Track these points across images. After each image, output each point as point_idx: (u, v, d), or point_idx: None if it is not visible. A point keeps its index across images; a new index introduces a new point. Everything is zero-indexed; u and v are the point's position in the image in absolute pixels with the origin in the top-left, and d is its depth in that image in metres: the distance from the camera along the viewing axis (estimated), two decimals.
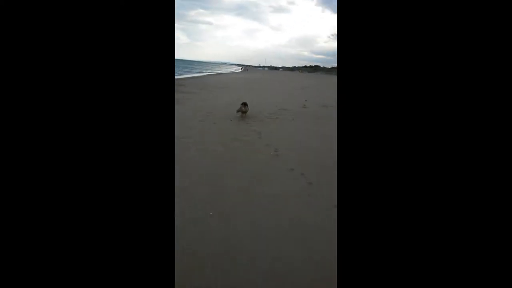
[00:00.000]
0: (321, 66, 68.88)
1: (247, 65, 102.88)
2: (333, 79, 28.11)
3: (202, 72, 25.90)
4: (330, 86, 15.95)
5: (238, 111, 5.09)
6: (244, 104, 5.10)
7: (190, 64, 64.09)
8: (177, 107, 5.05)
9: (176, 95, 6.40)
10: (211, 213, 1.80)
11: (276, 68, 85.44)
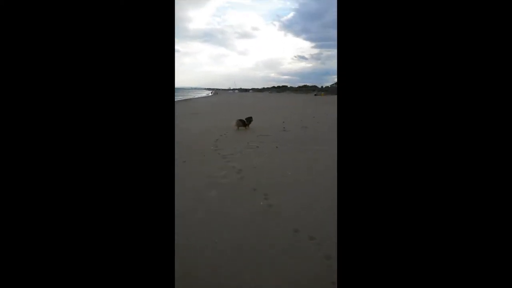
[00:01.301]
0: (288, 86, 71.37)
1: (217, 89, 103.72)
2: (302, 97, 28.73)
3: None
4: (301, 104, 15.86)
5: (239, 126, 6.38)
6: (247, 120, 6.51)
7: None
8: None
9: None
10: None
11: (246, 90, 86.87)
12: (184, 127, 6.72)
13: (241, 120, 6.43)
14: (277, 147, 4.49)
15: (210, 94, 46.96)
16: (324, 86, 58.08)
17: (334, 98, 23.17)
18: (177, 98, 26.11)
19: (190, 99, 25.03)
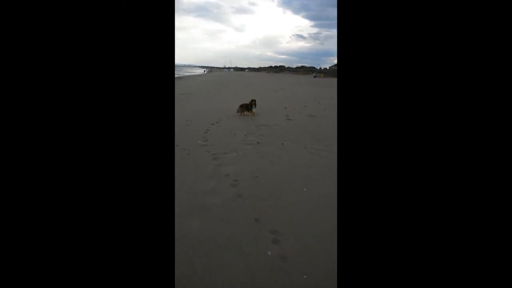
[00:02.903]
0: (286, 66, 69.43)
1: (211, 67, 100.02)
2: (301, 78, 27.38)
3: None
4: (301, 87, 14.76)
5: (242, 112, 5.55)
6: (251, 104, 5.59)
7: None
8: None
9: None
10: None
11: (242, 69, 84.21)
12: None
13: (245, 105, 5.58)
14: (282, 143, 3.57)
15: (205, 72, 44.96)
16: (322, 68, 56.49)
17: (334, 81, 22.04)
18: None
19: (182, 77, 23.46)
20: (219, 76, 28.83)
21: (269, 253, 1.47)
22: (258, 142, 3.59)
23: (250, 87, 13.57)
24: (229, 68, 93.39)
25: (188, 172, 2.55)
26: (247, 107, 5.54)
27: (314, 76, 32.97)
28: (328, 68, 51.58)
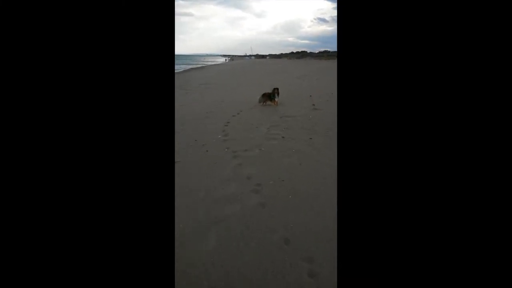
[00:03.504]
0: (308, 52, 66.92)
1: (233, 55, 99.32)
2: (324, 64, 26.04)
3: (184, 66, 23.31)
4: (327, 73, 13.89)
5: (264, 101, 5.13)
6: (273, 93, 5.08)
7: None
8: None
9: None
10: None
11: (263, 56, 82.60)
12: (187, 104, 5.48)
13: (267, 94, 5.14)
14: (310, 138, 3.16)
15: (226, 61, 44.59)
16: None
17: None
18: (190, 66, 24.46)
19: (203, 67, 23.29)
20: (240, 64, 28.31)
21: None
22: (283, 137, 3.22)
23: (271, 75, 13.03)
24: (250, 55, 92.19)
25: (206, 173, 2.27)
26: (269, 97, 5.11)
27: None
28: None
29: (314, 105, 5.11)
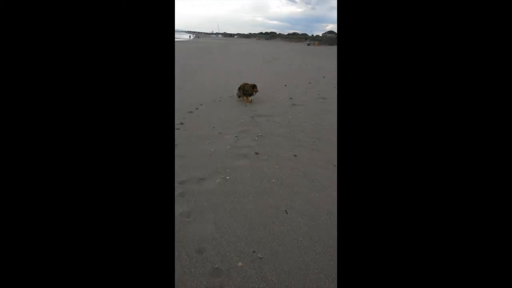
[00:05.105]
0: (277, 33, 65.57)
1: (198, 32, 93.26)
2: (294, 46, 25.16)
3: None
4: (297, 56, 13.03)
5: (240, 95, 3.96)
6: (251, 87, 3.84)
7: None
8: None
9: None
10: None
11: (230, 35, 78.93)
12: None
13: (244, 88, 3.91)
14: (295, 155, 2.26)
15: (191, 38, 41.29)
16: (315, 35, 53.44)
17: (331, 50, 20.20)
18: None
19: None
20: (206, 43, 26.04)
21: None
22: (256, 153, 2.27)
23: (240, 58, 11.77)
24: (217, 33, 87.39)
25: None
26: (244, 90, 3.90)
27: (308, 44, 30.58)
28: (321, 36, 48.58)
29: (291, 98, 4.20)
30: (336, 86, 5.28)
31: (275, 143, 2.47)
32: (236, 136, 2.61)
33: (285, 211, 1.56)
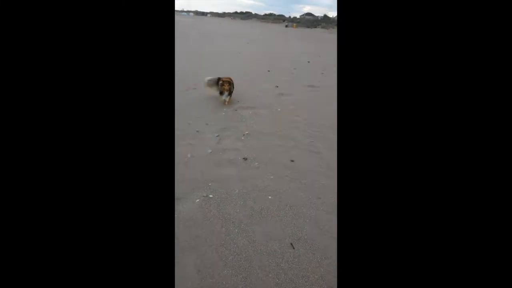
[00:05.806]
0: (253, 13, 63.49)
1: None
2: (272, 27, 24.33)
3: None
4: (276, 38, 12.46)
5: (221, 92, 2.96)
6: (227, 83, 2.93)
7: None
8: None
9: None
10: None
11: (203, 14, 74.80)
12: None
13: (214, 81, 3.07)
14: (292, 160, 1.87)
15: None
16: (292, 17, 52.38)
17: (309, 32, 19.73)
18: None
19: None
20: (176, 22, 24.20)
21: None
22: (244, 158, 1.85)
23: (214, 40, 10.93)
24: (188, 11, 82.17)
25: None
26: (218, 84, 3.02)
27: (286, 26, 29.75)
28: (299, 17, 47.71)
29: (277, 87, 3.77)
30: (323, 73, 4.93)
31: (266, 145, 2.06)
32: (218, 136, 2.16)
33: (291, 244, 1.19)
